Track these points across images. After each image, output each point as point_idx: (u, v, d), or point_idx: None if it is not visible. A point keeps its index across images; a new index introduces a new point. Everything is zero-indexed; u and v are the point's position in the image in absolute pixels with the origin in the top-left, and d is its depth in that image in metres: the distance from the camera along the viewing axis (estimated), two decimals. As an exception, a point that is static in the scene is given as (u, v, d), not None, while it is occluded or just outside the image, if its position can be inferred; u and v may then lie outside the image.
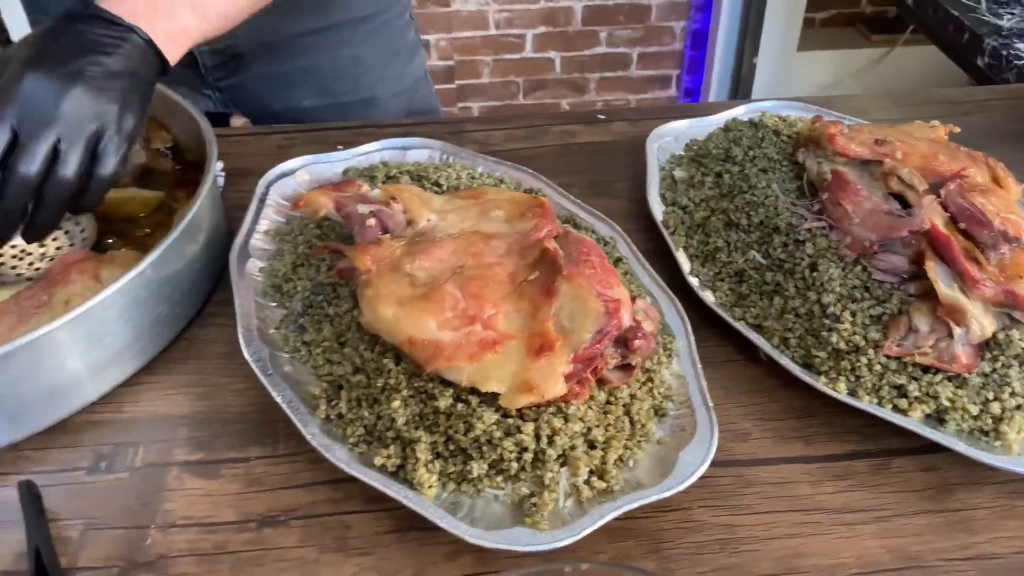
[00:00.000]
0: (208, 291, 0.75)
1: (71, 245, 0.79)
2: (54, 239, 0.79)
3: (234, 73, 1.07)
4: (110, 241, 0.80)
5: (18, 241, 0.79)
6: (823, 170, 0.72)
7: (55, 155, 0.59)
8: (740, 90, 2.74)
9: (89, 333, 0.61)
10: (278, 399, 0.60)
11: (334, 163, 0.88)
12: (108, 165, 0.62)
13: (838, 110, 0.95)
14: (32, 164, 0.58)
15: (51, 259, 0.77)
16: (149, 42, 0.65)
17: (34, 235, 0.64)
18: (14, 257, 0.77)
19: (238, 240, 0.75)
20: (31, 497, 0.56)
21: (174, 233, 0.66)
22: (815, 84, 2.80)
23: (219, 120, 1.17)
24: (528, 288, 0.60)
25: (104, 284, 0.67)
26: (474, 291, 0.60)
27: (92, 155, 0.61)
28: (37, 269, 0.76)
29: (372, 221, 0.66)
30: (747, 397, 0.66)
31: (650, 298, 0.70)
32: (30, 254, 0.78)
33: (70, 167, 0.60)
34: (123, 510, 0.58)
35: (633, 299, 0.62)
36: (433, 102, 1.22)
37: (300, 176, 0.85)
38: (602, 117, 1.04)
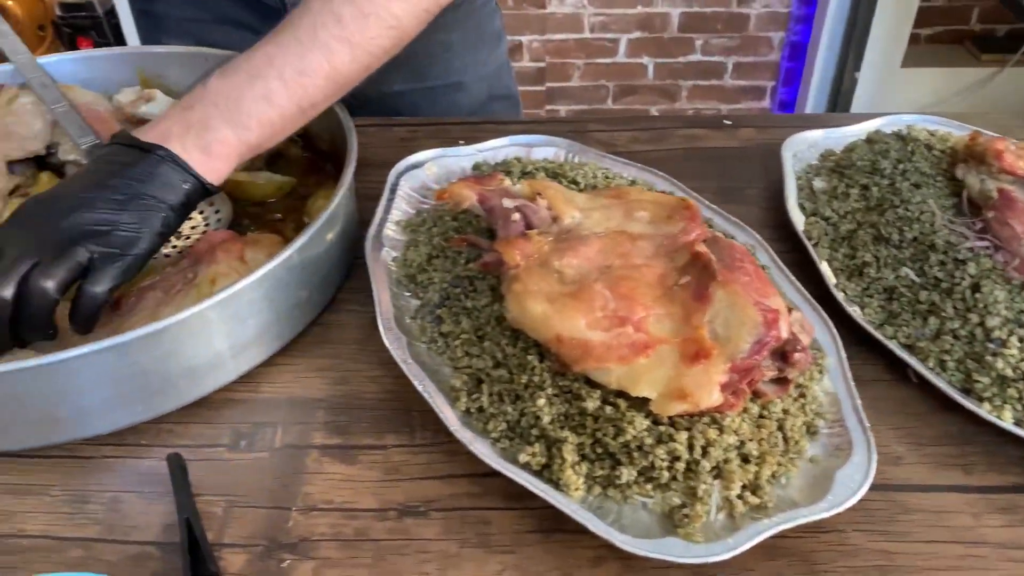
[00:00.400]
0: (341, 279, 0.75)
1: (206, 226, 0.80)
2: (190, 219, 0.81)
3: None
4: (244, 224, 0.81)
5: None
6: (987, 188, 0.68)
7: (36, 271, 0.57)
8: (840, 104, 2.66)
9: (236, 313, 0.62)
10: (419, 388, 0.60)
11: (461, 157, 0.87)
12: (100, 283, 0.59)
13: (978, 126, 0.91)
14: (5, 287, 0.56)
15: (187, 238, 0.78)
16: (171, 159, 0.62)
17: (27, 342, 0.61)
18: (153, 234, 0.79)
19: (372, 229, 0.75)
20: (180, 470, 0.56)
21: (322, 218, 0.66)
22: (917, 101, 2.70)
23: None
24: (679, 292, 0.59)
25: (248, 265, 0.68)
26: (624, 292, 0.58)
27: (84, 273, 0.59)
28: (175, 247, 0.77)
29: (517, 216, 0.65)
30: (898, 419, 0.63)
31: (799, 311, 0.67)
32: (168, 232, 0.79)
33: (49, 280, 0.57)
34: (264, 489, 0.58)
35: (789, 310, 0.59)
36: (513, 88, 1.21)
37: (429, 168, 0.85)
38: (728, 123, 1.01)
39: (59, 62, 0.91)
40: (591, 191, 0.72)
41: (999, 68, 2.67)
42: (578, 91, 2.87)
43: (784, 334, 0.57)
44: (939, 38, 2.84)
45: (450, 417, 0.58)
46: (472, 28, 1.10)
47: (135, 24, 1.15)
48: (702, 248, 0.61)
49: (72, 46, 2.61)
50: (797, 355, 0.56)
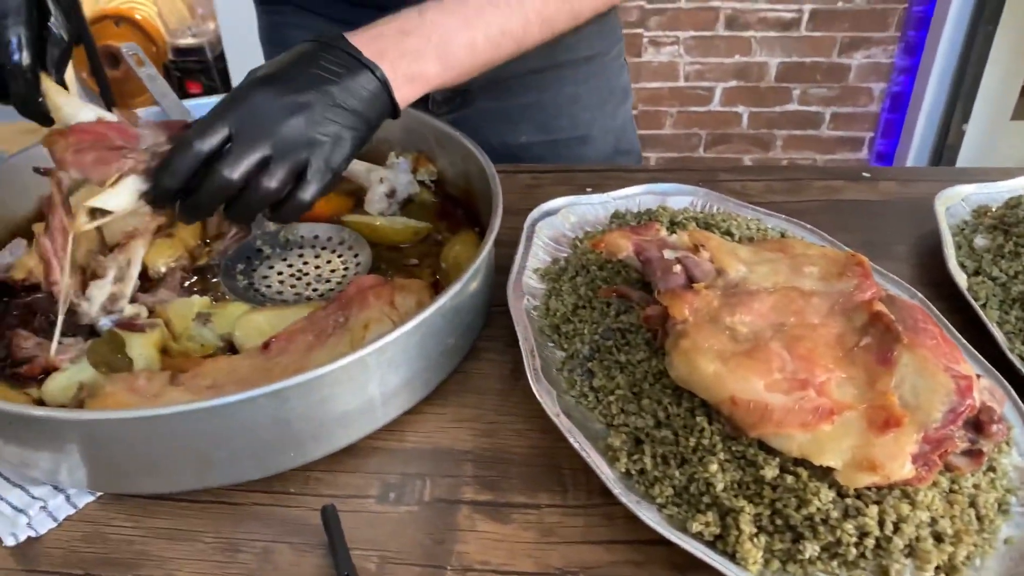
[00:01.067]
0: (481, 326, 0.74)
1: (345, 269, 0.80)
2: (328, 262, 0.81)
3: (459, 108, 1.08)
4: (381, 267, 0.81)
5: (293, 261, 0.81)
6: None
7: (263, 168, 0.60)
8: (945, 157, 2.58)
9: (392, 359, 0.61)
10: (574, 444, 0.57)
11: (596, 205, 0.86)
12: (309, 192, 0.62)
13: None
14: (236, 170, 0.59)
15: (326, 281, 0.78)
16: (384, 83, 0.65)
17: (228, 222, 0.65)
18: (292, 276, 0.79)
19: (512, 276, 0.74)
20: (336, 522, 0.55)
21: (475, 265, 0.65)
22: (1027, 155, 2.61)
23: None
24: (861, 354, 0.55)
25: (399, 310, 0.67)
26: (803, 352, 0.55)
27: (296, 178, 0.61)
28: (315, 290, 0.77)
29: (678, 268, 0.63)
30: (1092, 500, 0.58)
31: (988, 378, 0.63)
32: (306, 274, 0.79)
33: (274, 181, 0.60)
34: (417, 545, 0.56)
35: (977, 376, 0.55)
36: (637, 144, 1.20)
37: (565, 216, 0.84)
38: (867, 176, 0.98)
39: (205, 105, 0.94)
40: (750, 243, 0.69)
41: (1115, 122, 2.55)
42: (670, 138, 2.85)
43: (978, 403, 0.53)
44: (1050, 90, 2.74)
45: (610, 478, 0.56)
46: (602, 82, 1.09)
47: (264, 57, 1.17)
48: (881, 307, 0.58)
49: (181, 89, 2.72)
50: (995, 427, 0.52)
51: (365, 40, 0.65)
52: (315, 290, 0.77)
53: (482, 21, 0.71)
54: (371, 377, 0.60)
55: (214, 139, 0.59)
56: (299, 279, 0.79)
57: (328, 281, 0.78)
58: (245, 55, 2.52)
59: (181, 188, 0.60)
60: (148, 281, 0.77)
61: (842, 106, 2.76)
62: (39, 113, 0.66)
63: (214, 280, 0.79)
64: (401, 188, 0.86)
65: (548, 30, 0.76)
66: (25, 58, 0.64)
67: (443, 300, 0.62)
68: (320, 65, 0.63)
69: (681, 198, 0.87)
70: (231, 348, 0.71)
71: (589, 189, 0.90)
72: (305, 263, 0.81)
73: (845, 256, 0.63)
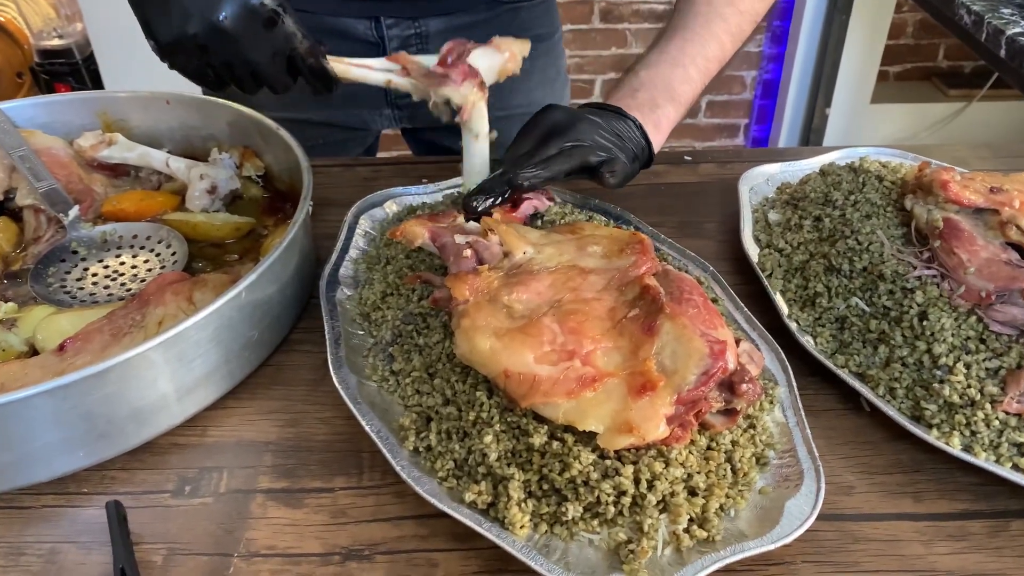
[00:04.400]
0: (295, 318, 0.75)
1: (162, 268, 0.79)
2: (145, 261, 0.80)
3: None
4: (199, 265, 0.81)
5: (110, 262, 0.80)
6: (934, 217, 0.69)
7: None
8: (811, 140, 2.70)
9: (181, 354, 0.61)
10: (367, 428, 0.59)
11: (422, 195, 0.87)
12: (614, 176, 0.76)
13: (936, 158, 0.92)
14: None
15: (142, 280, 0.78)
16: (641, 128, 0.79)
17: None
18: (107, 277, 0.78)
19: (328, 268, 0.75)
20: (119, 519, 0.55)
21: (271, 256, 0.66)
22: (888, 136, 2.74)
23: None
24: (628, 325, 0.58)
25: (196, 306, 0.67)
26: (573, 326, 0.58)
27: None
28: (129, 290, 0.77)
29: (468, 252, 0.65)
30: (850, 448, 0.63)
31: (748, 342, 0.67)
32: (122, 274, 0.79)
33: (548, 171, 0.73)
34: (207, 536, 0.57)
35: (737, 341, 0.59)
36: None
37: (389, 207, 0.85)
38: (688, 159, 1.02)
39: (20, 107, 0.91)
40: (547, 227, 0.72)
41: (966, 103, 2.72)
42: (555, 131, 2.90)
43: (731, 365, 0.56)
44: (907, 75, 2.89)
45: (397, 457, 0.57)
46: (550, 61, 1.14)
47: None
48: (651, 281, 0.61)
49: (50, 92, 2.62)
50: (744, 386, 0.56)
51: (625, 101, 0.81)
52: (128, 290, 0.77)
53: (685, 56, 0.83)
54: (159, 373, 0.60)
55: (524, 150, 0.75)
56: (114, 280, 0.78)
57: (144, 281, 0.78)
58: (118, 55, 2.44)
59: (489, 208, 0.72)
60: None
61: (717, 94, 2.85)
62: (329, 82, 0.74)
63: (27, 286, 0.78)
64: (222, 184, 0.86)
65: (739, 40, 0.87)
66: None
67: (234, 292, 0.62)
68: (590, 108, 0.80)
69: (506, 186, 0.89)
70: (36, 353, 0.70)
71: (425, 180, 0.91)
72: (122, 263, 0.80)
73: (627, 235, 0.67)
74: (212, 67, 0.68)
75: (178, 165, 0.88)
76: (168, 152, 0.91)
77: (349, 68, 0.75)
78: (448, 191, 0.88)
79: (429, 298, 0.65)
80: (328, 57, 0.73)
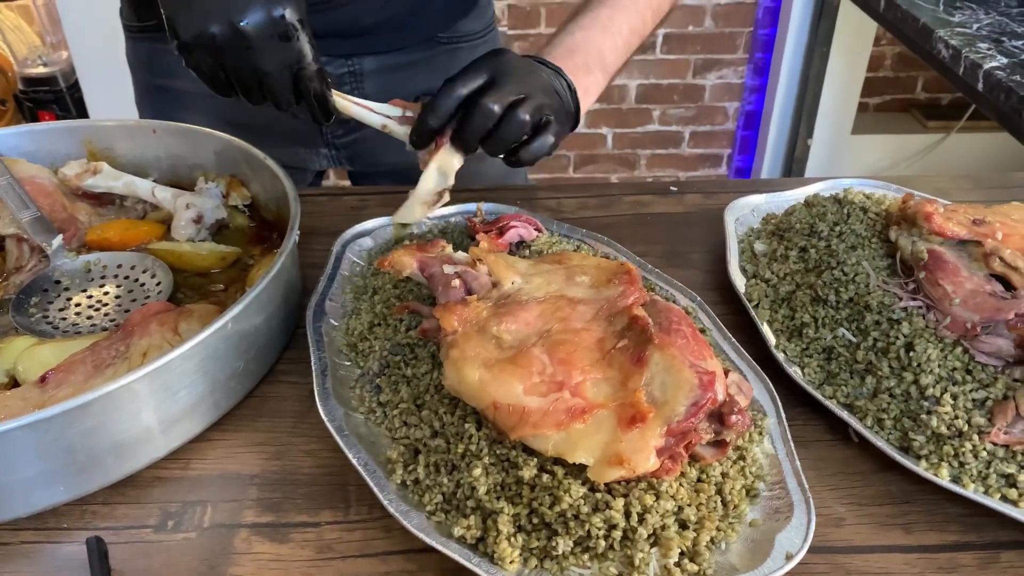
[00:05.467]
0: (281, 349, 0.74)
1: (146, 298, 0.79)
2: (129, 291, 0.80)
3: (352, 131, 1.09)
4: (184, 295, 0.80)
5: (94, 292, 0.80)
6: (918, 249, 0.69)
7: (517, 105, 0.71)
8: (794, 170, 2.73)
9: (166, 385, 0.60)
10: (353, 461, 0.58)
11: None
12: (551, 132, 0.74)
13: (918, 189, 0.93)
14: (498, 103, 0.70)
15: (126, 310, 0.77)
16: (574, 93, 0.79)
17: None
18: (90, 307, 0.77)
19: (314, 298, 0.75)
20: (100, 555, 0.54)
21: (258, 286, 0.65)
22: (869, 167, 2.78)
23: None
24: (617, 356, 0.58)
25: (182, 337, 0.66)
26: (562, 356, 0.58)
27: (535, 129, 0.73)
28: (112, 320, 0.76)
29: (457, 282, 0.65)
30: (839, 479, 0.63)
31: (736, 372, 0.67)
32: (106, 304, 0.78)
33: (527, 115, 0.71)
34: (190, 572, 0.56)
35: (726, 372, 0.59)
36: (524, 172, 1.23)
37: (376, 236, 0.85)
38: (674, 189, 1.03)
39: (4, 135, 0.91)
40: (534, 257, 0.72)
41: (944, 134, 2.76)
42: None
43: (720, 396, 0.56)
44: (887, 107, 2.94)
45: (385, 490, 0.57)
46: (490, 42, 1.14)
47: (139, 101, 1.13)
48: (640, 311, 0.61)
49: (34, 120, 2.61)
50: (734, 417, 0.56)
51: (561, 59, 0.79)
52: (112, 320, 0.76)
53: (614, 25, 0.84)
54: (143, 404, 0.59)
55: (474, 83, 0.71)
56: (97, 310, 0.77)
57: (128, 311, 0.77)
58: (102, 84, 2.44)
59: (441, 127, 0.72)
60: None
61: (700, 125, 2.88)
62: (328, 111, 0.74)
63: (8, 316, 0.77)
64: (208, 213, 0.86)
65: (658, 17, 0.90)
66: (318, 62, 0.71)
67: (220, 322, 0.62)
68: (534, 60, 0.78)
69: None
70: (17, 384, 0.68)
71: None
72: (106, 293, 0.80)
73: (616, 265, 0.67)
74: (224, 69, 0.69)
75: (164, 194, 0.87)
76: (154, 181, 0.91)
77: (349, 105, 0.76)
78: (437, 220, 0.88)
79: (417, 328, 0.65)
80: (332, 90, 0.74)
